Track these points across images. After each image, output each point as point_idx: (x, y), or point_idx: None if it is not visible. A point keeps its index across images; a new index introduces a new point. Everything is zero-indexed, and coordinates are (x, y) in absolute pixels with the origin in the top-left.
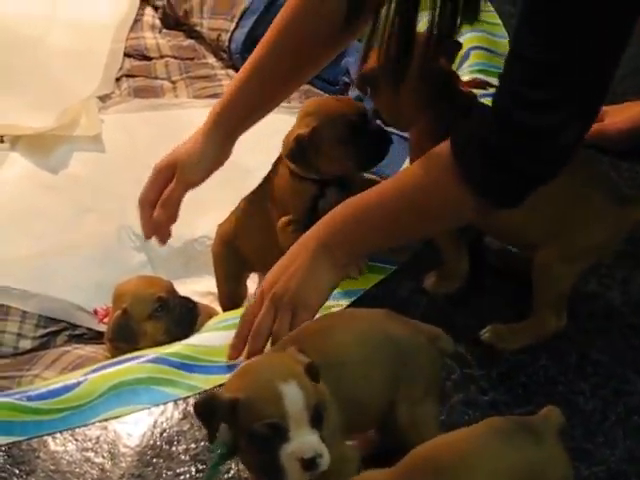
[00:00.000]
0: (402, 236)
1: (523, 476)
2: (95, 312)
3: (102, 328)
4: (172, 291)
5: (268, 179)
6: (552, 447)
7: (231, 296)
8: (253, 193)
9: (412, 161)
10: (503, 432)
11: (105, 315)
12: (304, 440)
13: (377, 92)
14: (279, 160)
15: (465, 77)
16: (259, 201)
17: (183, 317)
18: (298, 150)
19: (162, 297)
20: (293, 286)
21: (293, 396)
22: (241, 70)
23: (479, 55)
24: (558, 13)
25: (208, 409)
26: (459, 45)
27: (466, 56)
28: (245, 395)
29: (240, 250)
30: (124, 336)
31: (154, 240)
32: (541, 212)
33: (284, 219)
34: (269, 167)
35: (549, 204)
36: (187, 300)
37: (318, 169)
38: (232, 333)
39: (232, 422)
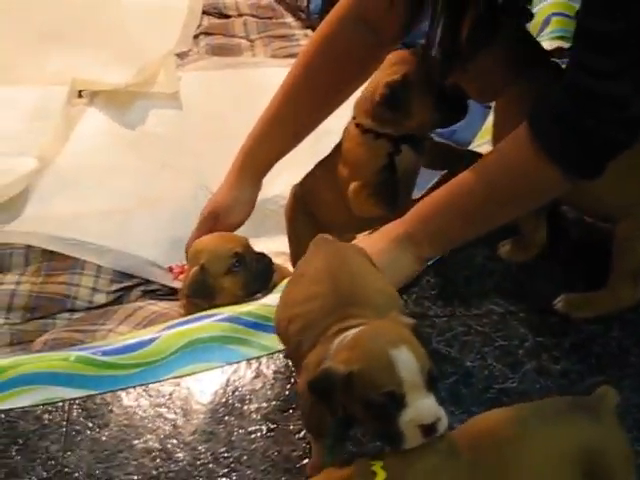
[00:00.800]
0: (489, 223)
1: (583, 456)
2: (170, 269)
3: (177, 285)
4: (248, 247)
5: (339, 145)
6: (610, 426)
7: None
8: (326, 158)
9: (497, 133)
10: (560, 412)
11: (180, 272)
12: (422, 406)
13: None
14: (350, 123)
15: (545, 43)
16: (331, 165)
17: (260, 272)
18: (390, 95)
19: (239, 252)
20: None
21: (406, 362)
22: (272, 101)
23: (560, 21)
24: None
25: (325, 384)
26: (532, 16)
27: (547, 22)
28: (359, 366)
29: (312, 212)
30: (202, 292)
31: None
32: (624, 184)
33: (356, 184)
34: (344, 126)
35: (632, 175)
36: (263, 255)
37: (401, 120)
38: None
39: (349, 394)
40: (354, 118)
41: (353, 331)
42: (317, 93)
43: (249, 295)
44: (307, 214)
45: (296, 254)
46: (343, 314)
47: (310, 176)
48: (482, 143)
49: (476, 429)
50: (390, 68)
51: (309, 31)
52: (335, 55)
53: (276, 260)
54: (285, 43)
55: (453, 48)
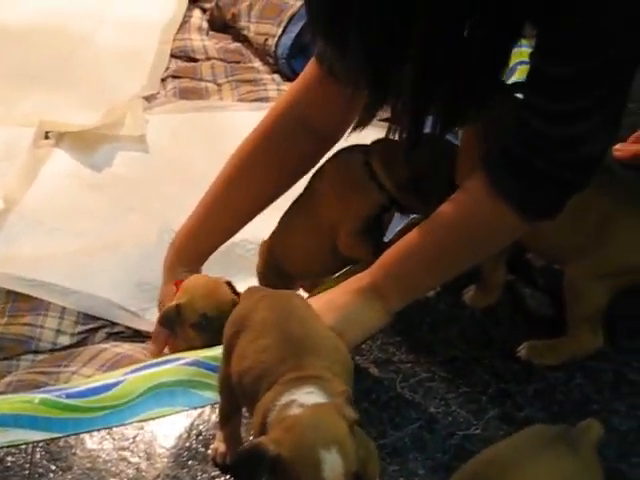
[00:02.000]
0: (453, 270)
1: None
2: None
3: (142, 326)
4: (224, 309)
5: (312, 189)
6: (587, 459)
7: None
8: (298, 201)
9: (461, 166)
10: (543, 441)
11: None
12: None
13: None
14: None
15: None
16: (303, 214)
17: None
18: (414, 178)
19: (207, 315)
20: (332, 318)
21: (333, 464)
22: (206, 195)
23: (525, 70)
24: (575, 29)
25: (253, 460)
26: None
27: (513, 71)
28: (288, 454)
29: (283, 267)
30: (168, 325)
31: None
32: (572, 227)
33: (349, 225)
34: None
35: (580, 219)
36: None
37: (415, 200)
38: None
39: (273, 475)
40: (368, 164)
41: (300, 396)
42: (254, 189)
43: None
44: (278, 272)
45: None
46: (297, 363)
47: (280, 224)
48: None
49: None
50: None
51: (276, 75)
52: (274, 155)
53: None
54: (252, 87)
55: (416, 140)
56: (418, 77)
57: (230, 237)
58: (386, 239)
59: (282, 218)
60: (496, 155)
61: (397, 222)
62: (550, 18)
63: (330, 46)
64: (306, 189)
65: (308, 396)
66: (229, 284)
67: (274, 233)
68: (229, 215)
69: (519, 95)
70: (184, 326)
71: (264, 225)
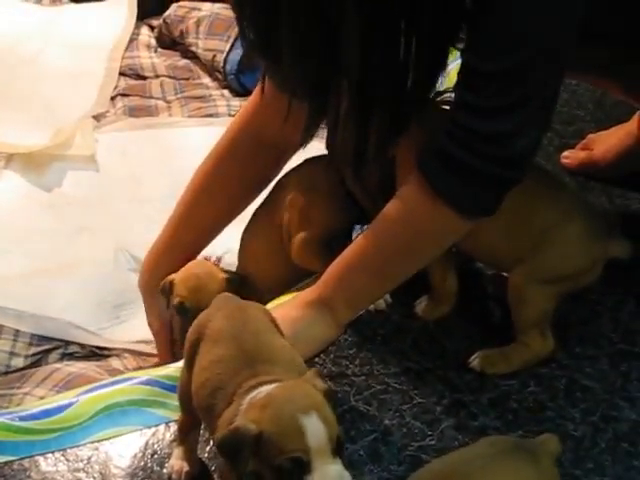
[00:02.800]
0: (399, 275)
1: None
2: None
3: (102, 343)
4: (204, 303)
5: (274, 200)
6: (548, 472)
7: None
8: (257, 218)
9: (400, 178)
10: (503, 451)
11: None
12: (328, 471)
13: None
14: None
15: None
16: (266, 225)
17: None
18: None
19: (184, 303)
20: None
21: (315, 429)
22: (172, 216)
23: None
24: (504, 23)
25: (235, 443)
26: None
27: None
28: (269, 428)
29: (247, 283)
30: (163, 293)
31: None
32: (512, 233)
33: (304, 235)
34: None
35: (520, 226)
36: None
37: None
38: None
39: (257, 454)
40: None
41: (266, 388)
42: (217, 206)
43: None
44: (247, 286)
45: None
46: (252, 372)
47: (244, 236)
48: None
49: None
50: None
51: (226, 91)
52: (235, 172)
53: None
54: (202, 104)
55: (362, 151)
56: (356, 83)
57: (199, 252)
58: None
59: (245, 230)
60: (429, 155)
61: None
62: (474, 17)
63: (266, 60)
64: (267, 200)
65: (273, 385)
66: (228, 281)
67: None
68: (195, 233)
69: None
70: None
71: (218, 242)
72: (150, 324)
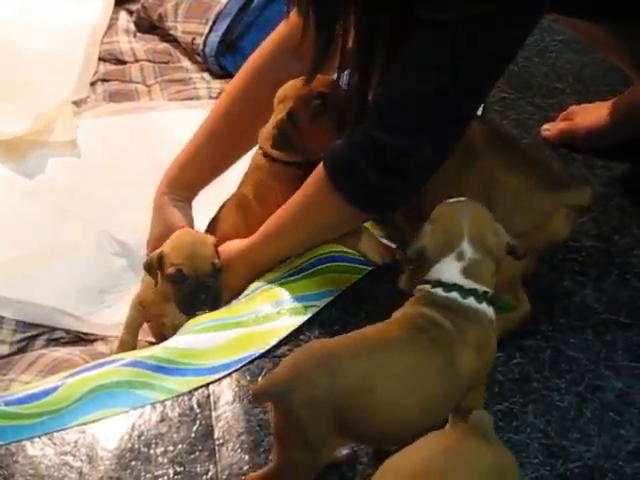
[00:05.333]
0: (293, 245)
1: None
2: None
3: (89, 329)
4: (202, 269)
5: (242, 186)
6: (501, 445)
7: None
8: (231, 199)
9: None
10: (463, 442)
11: None
12: None
13: None
14: (256, 154)
15: None
16: (239, 201)
17: None
18: (281, 135)
19: (182, 271)
20: None
21: None
22: (200, 128)
23: None
24: (415, 50)
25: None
26: None
27: None
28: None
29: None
30: (149, 271)
31: (134, 245)
32: (458, 192)
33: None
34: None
35: (466, 185)
36: None
37: (305, 149)
38: (208, 336)
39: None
40: (260, 148)
41: None
42: (247, 120)
43: None
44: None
45: None
46: None
47: (213, 223)
48: None
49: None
50: (278, 107)
51: (206, 74)
52: (266, 85)
53: None
54: (182, 87)
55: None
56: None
57: (226, 166)
58: None
59: (212, 219)
60: (337, 154)
61: None
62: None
63: None
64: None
65: None
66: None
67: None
68: (228, 140)
69: None
70: (162, 276)
71: (202, 225)
72: (149, 242)
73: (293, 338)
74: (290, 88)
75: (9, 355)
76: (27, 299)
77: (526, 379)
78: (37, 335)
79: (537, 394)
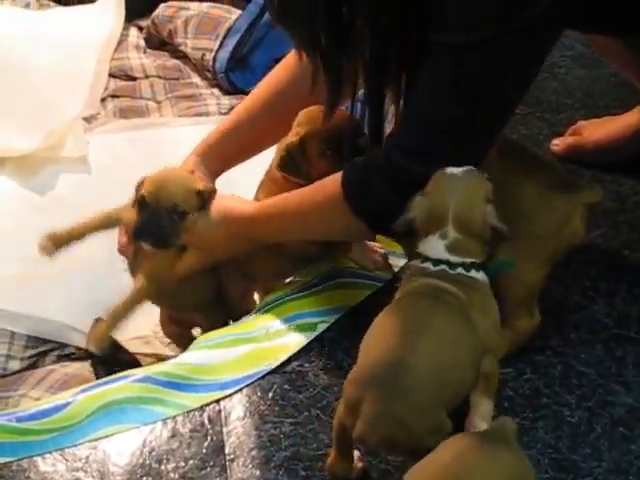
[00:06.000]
0: (295, 237)
1: None
2: None
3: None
4: (160, 200)
5: (258, 192)
6: (521, 452)
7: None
8: None
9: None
10: (484, 448)
11: None
12: None
13: None
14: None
15: None
16: None
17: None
18: (288, 159)
19: (143, 197)
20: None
21: None
22: (245, 103)
23: None
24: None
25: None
26: None
27: None
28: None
29: (245, 267)
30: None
31: None
32: None
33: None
34: (253, 184)
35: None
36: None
37: (309, 177)
38: (219, 352)
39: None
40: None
41: None
42: (281, 113)
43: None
44: (240, 272)
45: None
46: None
47: None
48: None
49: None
50: (295, 129)
51: (215, 90)
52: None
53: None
54: (192, 103)
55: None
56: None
57: (258, 150)
58: None
59: None
60: (354, 172)
61: None
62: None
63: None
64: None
65: None
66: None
67: None
68: (262, 126)
69: None
70: None
71: None
72: None
73: (303, 354)
74: (310, 115)
75: (20, 371)
76: (38, 315)
77: (536, 394)
78: (48, 351)
79: (547, 409)
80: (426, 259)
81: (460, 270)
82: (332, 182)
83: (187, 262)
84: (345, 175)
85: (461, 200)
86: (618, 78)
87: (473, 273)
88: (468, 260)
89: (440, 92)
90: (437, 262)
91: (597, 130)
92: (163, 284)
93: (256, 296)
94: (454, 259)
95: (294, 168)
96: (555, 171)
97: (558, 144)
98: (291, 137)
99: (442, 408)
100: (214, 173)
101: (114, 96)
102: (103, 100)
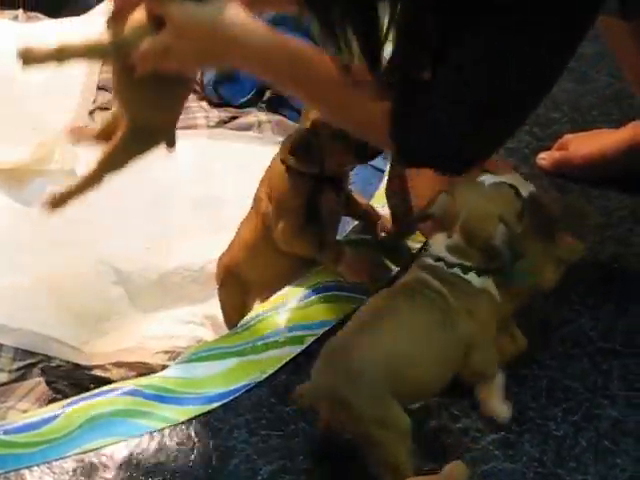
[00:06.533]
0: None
1: None
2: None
3: (83, 361)
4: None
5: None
6: None
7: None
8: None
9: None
10: None
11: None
12: None
13: None
14: (275, 159)
15: None
16: (256, 213)
17: None
18: (301, 143)
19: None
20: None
21: None
22: None
23: None
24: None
25: None
26: None
27: None
28: None
29: (244, 280)
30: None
31: (132, 273)
32: None
33: (281, 226)
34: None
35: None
36: None
37: (321, 163)
38: (206, 365)
39: None
40: (280, 154)
41: None
42: None
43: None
44: (239, 283)
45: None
46: None
47: (237, 241)
48: (377, 207)
49: None
50: (306, 116)
51: (204, 103)
52: None
53: (184, 329)
54: (181, 115)
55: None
56: None
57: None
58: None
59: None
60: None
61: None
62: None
63: None
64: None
65: None
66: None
67: (231, 244)
68: None
69: None
70: None
71: (199, 253)
72: None
73: (290, 367)
74: None
75: (8, 383)
76: (25, 327)
77: (522, 408)
78: (35, 363)
79: (533, 423)
80: (429, 253)
81: (456, 270)
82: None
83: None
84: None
85: (474, 213)
86: (606, 92)
87: (470, 276)
88: (466, 263)
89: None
90: (437, 259)
91: (585, 144)
92: None
93: None
94: (451, 259)
95: (308, 153)
96: (540, 213)
97: (545, 158)
98: (303, 124)
99: (392, 401)
100: None
101: (103, 109)
102: (91, 113)
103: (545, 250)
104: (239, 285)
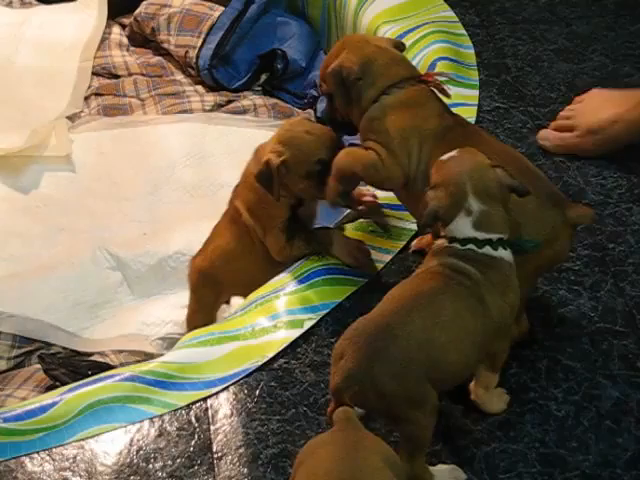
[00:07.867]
0: None
1: None
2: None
3: (81, 347)
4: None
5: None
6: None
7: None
8: (226, 216)
9: None
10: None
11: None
12: None
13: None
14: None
15: None
16: (234, 222)
17: None
18: (265, 174)
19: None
20: None
21: None
22: None
23: (445, 65)
24: None
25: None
26: (403, 45)
27: (432, 66)
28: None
29: (217, 277)
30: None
31: (129, 259)
32: None
33: (271, 241)
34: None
35: None
36: None
37: (279, 195)
38: (205, 350)
39: None
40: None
41: None
42: None
43: None
44: (212, 282)
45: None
46: None
47: (211, 241)
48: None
49: None
50: (276, 145)
51: (199, 87)
52: None
53: (183, 315)
54: (176, 100)
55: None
56: None
57: None
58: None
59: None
60: None
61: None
62: None
63: None
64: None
65: None
66: None
67: (206, 245)
68: None
69: None
70: None
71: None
72: None
73: (290, 351)
74: (294, 136)
75: (6, 370)
76: (23, 314)
77: (523, 389)
78: (34, 350)
79: (534, 404)
80: (453, 239)
81: (487, 249)
82: None
83: None
84: None
85: (472, 171)
86: (601, 72)
87: (500, 252)
88: (495, 237)
89: None
90: (465, 241)
91: (588, 116)
92: None
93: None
94: (481, 236)
95: (269, 187)
96: (545, 184)
97: (547, 139)
98: (271, 152)
99: (427, 384)
100: None
101: (97, 94)
102: (87, 98)
103: (557, 216)
104: (213, 286)
